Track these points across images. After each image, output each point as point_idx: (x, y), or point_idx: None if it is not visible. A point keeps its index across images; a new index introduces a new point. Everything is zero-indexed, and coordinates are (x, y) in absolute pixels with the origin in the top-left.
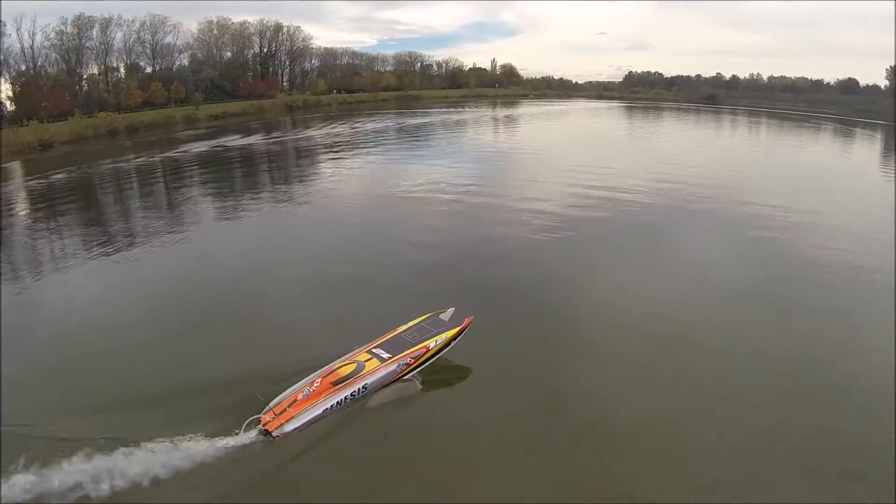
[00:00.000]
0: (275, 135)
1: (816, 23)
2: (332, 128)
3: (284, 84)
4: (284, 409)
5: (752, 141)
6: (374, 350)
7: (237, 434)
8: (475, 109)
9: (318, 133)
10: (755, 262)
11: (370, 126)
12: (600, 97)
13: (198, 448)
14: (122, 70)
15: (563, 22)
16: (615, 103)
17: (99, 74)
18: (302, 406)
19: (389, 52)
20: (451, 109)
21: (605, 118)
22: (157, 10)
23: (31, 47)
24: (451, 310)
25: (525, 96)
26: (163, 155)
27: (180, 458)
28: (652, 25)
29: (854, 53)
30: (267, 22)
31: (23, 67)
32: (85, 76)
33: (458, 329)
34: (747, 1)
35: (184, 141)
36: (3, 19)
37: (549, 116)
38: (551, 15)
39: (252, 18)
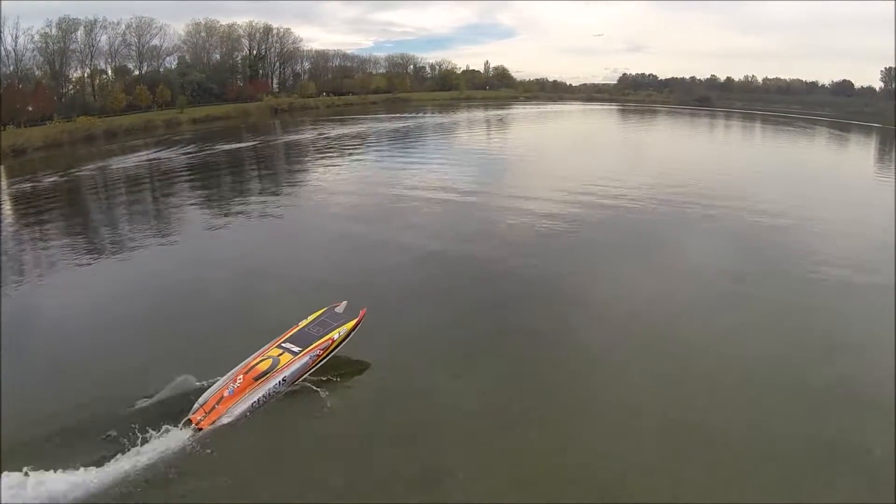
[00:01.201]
0: (248, 141)
1: (812, 25)
2: (305, 133)
3: (275, 87)
4: (213, 407)
5: (745, 144)
6: (283, 345)
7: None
8: (448, 114)
9: (295, 138)
10: (753, 262)
11: (343, 131)
12: (590, 100)
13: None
14: (109, 73)
15: (560, 24)
16: (604, 105)
17: (85, 77)
18: (229, 403)
19: (382, 55)
20: (415, 115)
21: (587, 121)
22: (154, 10)
23: (15, 50)
24: (345, 303)
25: (515, 99)
26: (121, 163)
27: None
28: (649, 27)
29: (849, 56)
30: (256, 24)
31: (10, 69)
32: (73, 79)
33: (355, 321)
34: (746, 1)
35: (148, 146)
36: None
37: (533, 119)
38: (548, 17)
39: (241, 20)
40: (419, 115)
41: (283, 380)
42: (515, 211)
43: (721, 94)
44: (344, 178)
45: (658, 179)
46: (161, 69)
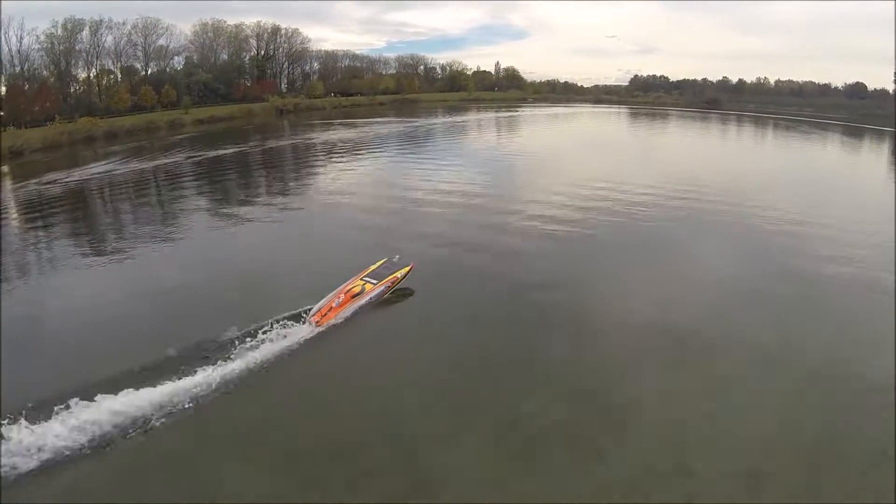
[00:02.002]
0: (245, 144)
1: (825, 26)
2: (312, 135)
3: (283, 87)
4: (325, 313)
5: (757, 150)
6: (365, 278)
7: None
8: (454, 116)
9: (299, 141)
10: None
11: (349, 135)
12: (599, 101)
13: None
14: (117, 72)
15: (572, 25)
16: (612, 108)
17: (91, 77)
18: (337, 311)
19: (392, 55)
20: (415, 120)
21: (591, 124)
22: (165, 10)
23: (19, 51)
24: (398, 256)
25: (524, 100)
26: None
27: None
28: (662, 29)
29: (862, 57)
30: (264, 24)
31: (17, 69)
32: (80, 78)
33: (409, 268)
34: (758, 1)
35: (128, 153)
36: None
37: (537, 122)
38: (561, 18)
39: (249, 20)
40: (423, 119)
41: (370, 299)
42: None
43: (732, 96)
44: (358, 183)
45: (668, 184)
46: (168, 69)
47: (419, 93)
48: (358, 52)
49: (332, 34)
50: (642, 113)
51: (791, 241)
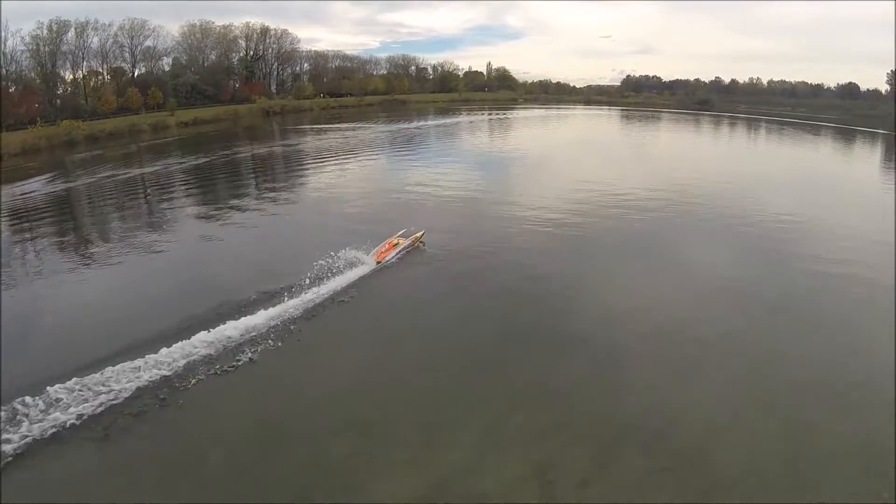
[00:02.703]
0: (230, 149)
1: (818, 27)
2: (299, 139)
3: (273, 88)
4: (381, 253)
5: (750, 149)
6: (398, 237)
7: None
8: (433, 119)
9: (283, 147)
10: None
11: (334, 140)
12: (589, 102)
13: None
14: (105, 74)
15: (569, 25)
16: (603, 109)
17: (78, 80)
18: (386, 253)
19: (383, 56)
20: (401, 124)
21: (584, 124)
22: (159, 10)
23: (4, 52)
24: (413, 227)
25: (515, 101)
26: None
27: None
28: (658, 29)
29: (855, 58)
30: (253, 25)
31: (2, 71)
32: (68, 80)
33: (422, 232)
34: (754, 2)
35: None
36: None
37: (522, 123)
38: (557, 18)
39: (238, 21)
40: (414, 121)
41: (405, 248)
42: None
43: (725, 97)
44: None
45: (652, 187)
46: (155, 71)
47: (409, 93)
48: (349, 52)
49: (326, 34)
50: (630, 115)
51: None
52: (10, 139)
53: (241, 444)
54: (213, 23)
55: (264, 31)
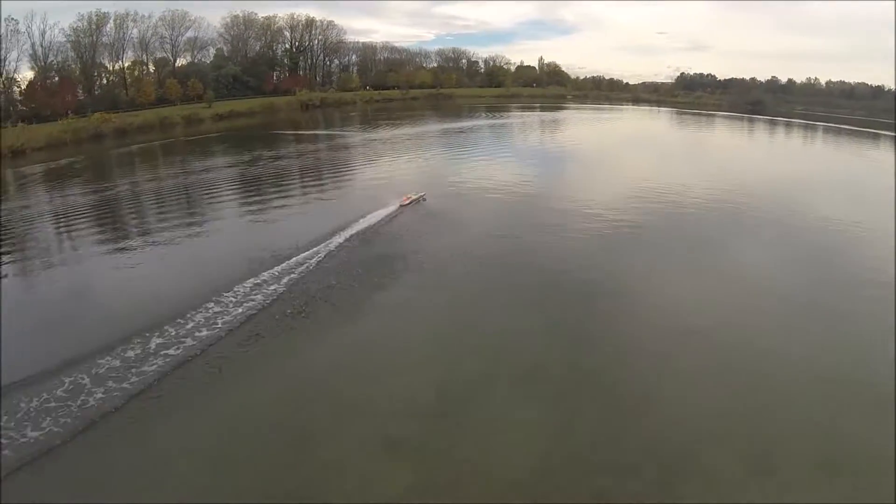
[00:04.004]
0: (273, 149)
1: (879, 25)
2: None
3: (319, 80)
4: (404, 201)
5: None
6: (410, 195)
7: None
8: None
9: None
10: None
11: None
12: (638, 101)
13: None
14: (149, 64)
15: (623, 21)
16: (647, 108)
17: (124, 69)
18: (405, 202)
19: (433, 49)
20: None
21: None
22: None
23: (42, 44)
24: (424, 192)
25: (563, 97)
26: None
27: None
28: (713, 26)
29: None
30: (297, 16)
31: (40, 63)
32: (113, 69)
33: (423, 193)
34: (812, 1)
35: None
36: (15, 17)
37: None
38: (612, 14)
39: (282, 13)
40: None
41: (418, 199)
42: None
43: (780, 97)
44: None
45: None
46: (199, 62)
47: (456, 88)
48: (398, 45)
49: (381, 26)
50: (676, 116)
51: None
52: (37, 132)
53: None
54: (255, 14)
55: (309, 23)
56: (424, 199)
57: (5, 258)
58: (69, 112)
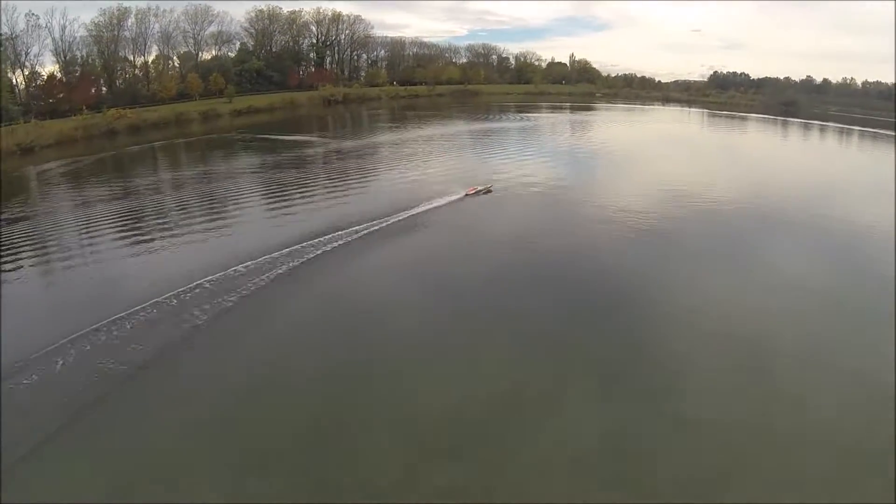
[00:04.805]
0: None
1: None
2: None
3: (346, 74)
4: (470, 191)
5: None
6: (477, 187)
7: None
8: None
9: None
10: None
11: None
12: (668, 100)
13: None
14: (174, 59)
15: (657, 19)
16: (684, 109)
17: (146, 63)
18: (473, 190)
19: (462, 44)
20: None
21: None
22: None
23: (62, 39)
24: (491, 185)
25: (592, 95)
26: None
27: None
28: (749, 25)
29: None
30: (324, 10)
31: (63, 58)
32: (137, 64)
33: (490, 185)
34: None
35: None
36: (35, 13)
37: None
38: (646, 11)
39: (308, 7)
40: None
41: (484, 190)
42: None
43: (815, 97)
44: None
45: None
46: (224, 56)
47: (484, 84)
48: (427, 40)
49: (416, 21)
50: (710, 118)
51: None
52: (49, 128)
53: None
54: (280, 8)
55: (336, 17)
56: (490, 191)
57: None
58: (84, 108)
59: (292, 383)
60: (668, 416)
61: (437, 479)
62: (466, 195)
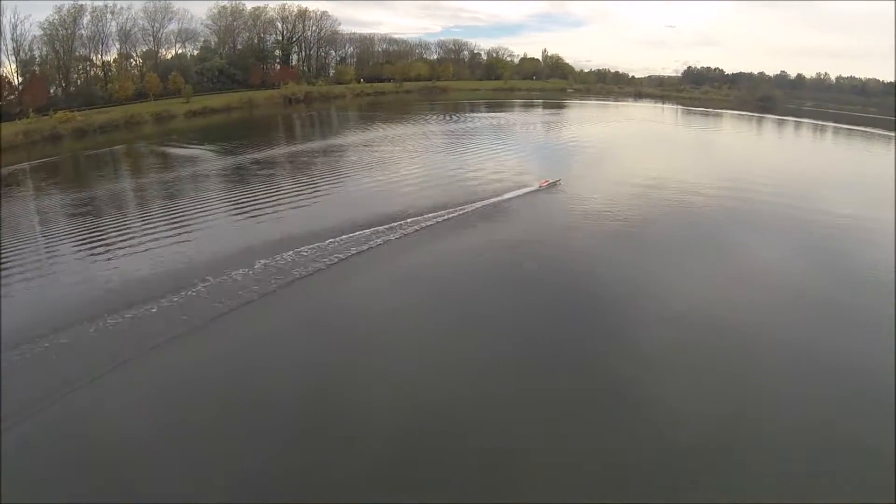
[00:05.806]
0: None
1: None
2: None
3: (312, 72)
4: (542, 183)
5: None
6: (549, 180)
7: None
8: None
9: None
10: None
11: None
12: (638, 96)
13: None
14: (136, 58)
15: (633, 14)
16: (657, 105)
17: (104, 64)
18: (544, 183)
19: (433, 40)
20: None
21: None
22: None
23: (12, 38)
24: (560, 178)
25: (563, 91)
26: None
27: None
28: (723, 21)
29: None
30: (289, 6)
31: (23, 55)
32: (98, 63)
33: (559, 179)
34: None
35: None
36: None
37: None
38: (621, 7)
39: (274, 3)
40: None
41: (552, 183)
42: None
43: (790, 92)
44: None
45: None
46: (192, 52)
47: (453, 80)
48: (397, 36)
49: (389, 18)
50: (686, 115)
51: None
52: None
53: None
54: (243, 4)
55: (302, 13)
56: (560, 184)
57: None
58: (29, 112)
59: (279, 386)
60: (662, 416)
61: (429, 478)
62: (539, 186)
